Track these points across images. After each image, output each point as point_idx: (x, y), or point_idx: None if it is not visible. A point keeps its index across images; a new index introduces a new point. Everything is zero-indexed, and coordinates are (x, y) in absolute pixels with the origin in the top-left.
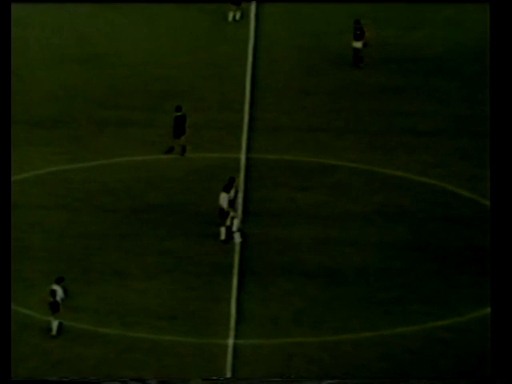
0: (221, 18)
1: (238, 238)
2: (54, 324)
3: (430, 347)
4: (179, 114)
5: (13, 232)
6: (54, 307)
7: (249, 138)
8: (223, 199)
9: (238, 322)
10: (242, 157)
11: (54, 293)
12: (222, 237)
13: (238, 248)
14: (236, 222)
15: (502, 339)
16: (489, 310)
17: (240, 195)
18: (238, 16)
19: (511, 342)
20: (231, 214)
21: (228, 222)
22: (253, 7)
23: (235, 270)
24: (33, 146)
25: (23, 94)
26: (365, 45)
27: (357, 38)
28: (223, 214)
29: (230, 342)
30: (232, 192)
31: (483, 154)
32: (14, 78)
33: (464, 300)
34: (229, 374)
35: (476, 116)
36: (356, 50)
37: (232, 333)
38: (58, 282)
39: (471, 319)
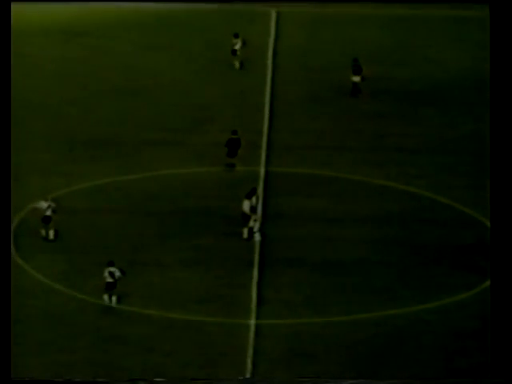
0: (245, 59)
1: (258, 236)
2: (113, 298)
3: (415, 326)
4: (235, 136)
5: (83, 232)
6: (112, 286)
7: (267, 155)
8: (246, 205)
9: (257, 305)
10: (262, 170)
11: (112, 274)
12: (245, 236)
13: (258, 245)
14: (256, 224)
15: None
16: (462, 295)
17: (260, 201)
18: (237, 65)
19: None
20: (253, 217)
21: (250, 224)
22: (270, 47)
23: (255, 263)
24: (90, 161)
25: (84, 119)
26: (362, 79)
27: (355, 73)
28: (246, 217)
29: (252, 321)
30: (253, 199)
31: (458, 167)
32: (77, 107)
33: (442, 287)
34: (250, 349)
35: (453, 137)
36: (354, 83)
37: (253, 314)
38: (111, 264)
39: (448, 303)
